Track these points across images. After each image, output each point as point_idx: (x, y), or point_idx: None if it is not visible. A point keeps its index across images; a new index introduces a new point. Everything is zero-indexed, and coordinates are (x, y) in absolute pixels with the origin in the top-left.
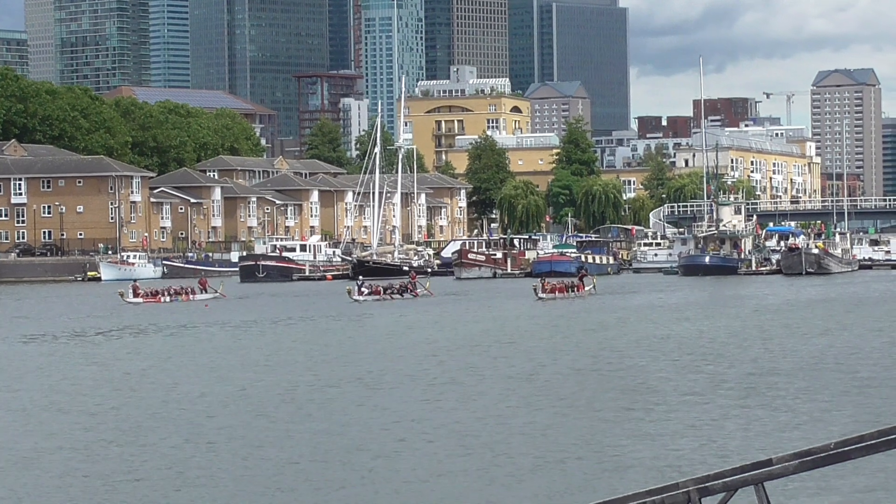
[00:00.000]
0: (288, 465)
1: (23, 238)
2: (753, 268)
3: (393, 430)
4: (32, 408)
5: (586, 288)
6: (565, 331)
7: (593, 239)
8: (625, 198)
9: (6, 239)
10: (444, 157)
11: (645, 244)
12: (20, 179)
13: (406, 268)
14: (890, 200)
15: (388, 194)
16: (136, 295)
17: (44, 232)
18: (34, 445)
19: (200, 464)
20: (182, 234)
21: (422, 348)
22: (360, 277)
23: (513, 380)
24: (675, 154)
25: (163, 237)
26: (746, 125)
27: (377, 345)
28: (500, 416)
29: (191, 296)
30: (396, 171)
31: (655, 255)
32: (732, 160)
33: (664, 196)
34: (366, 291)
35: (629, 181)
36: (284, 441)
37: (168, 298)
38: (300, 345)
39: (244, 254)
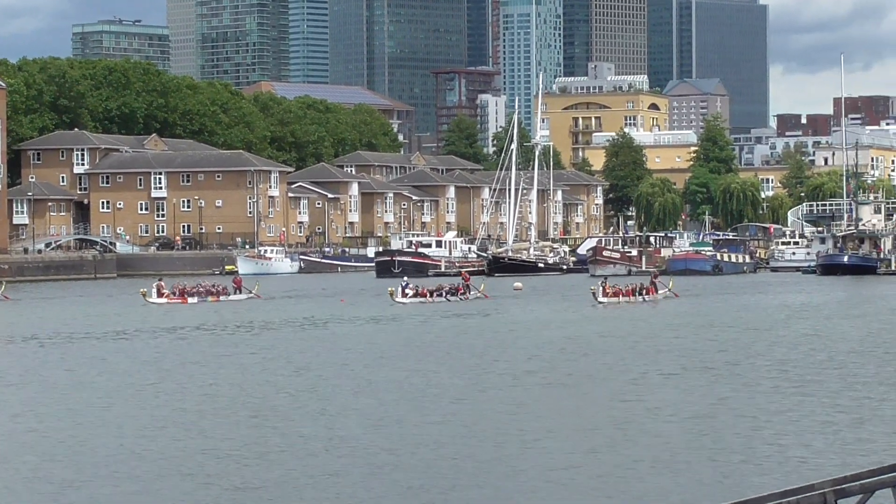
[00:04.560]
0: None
1: (162, 232)
2: (893, 268)
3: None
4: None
5: (659, 291)
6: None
7: (730, 237)
8: (763, 196)
9: (146, 232)
10: (580, 153)
11: (783, 243)
12: (160, 173)
13: (541, 264)
14: None
15: (525, 191)
16: (160, 295)
17: (183, 226)
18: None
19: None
20: (319, 228)
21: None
22: (405, 279)
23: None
24: (814, 152)
25: (300, 232)
26: (888, 124)
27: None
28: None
29: (221, 296)
30: (533, 168)
31: (793, 253)
32: (873, 159)
33: (803, 195)
34: (410, 293)
35: (767, 179)
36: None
37: (195, 299)
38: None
39: (380, 249)
